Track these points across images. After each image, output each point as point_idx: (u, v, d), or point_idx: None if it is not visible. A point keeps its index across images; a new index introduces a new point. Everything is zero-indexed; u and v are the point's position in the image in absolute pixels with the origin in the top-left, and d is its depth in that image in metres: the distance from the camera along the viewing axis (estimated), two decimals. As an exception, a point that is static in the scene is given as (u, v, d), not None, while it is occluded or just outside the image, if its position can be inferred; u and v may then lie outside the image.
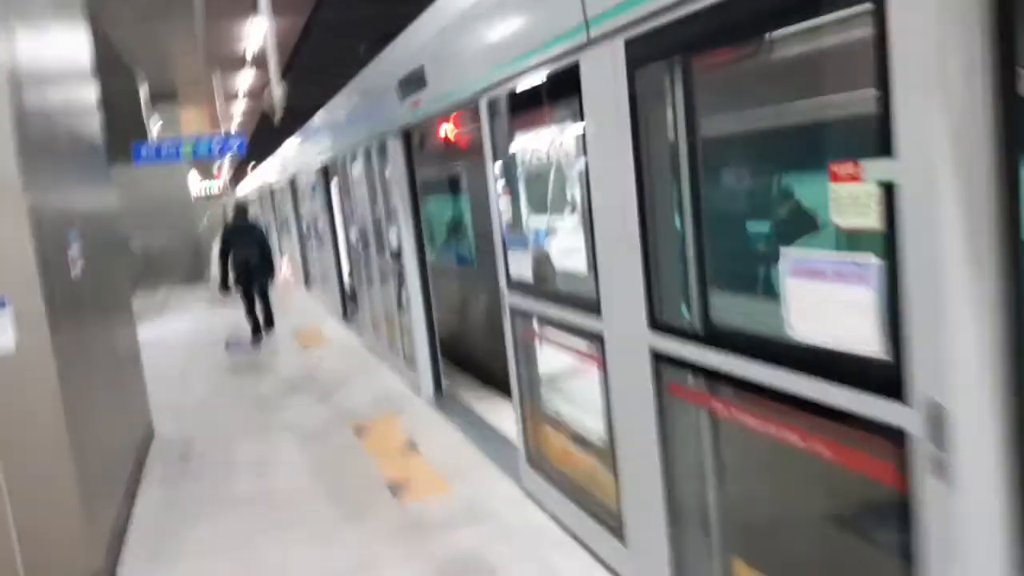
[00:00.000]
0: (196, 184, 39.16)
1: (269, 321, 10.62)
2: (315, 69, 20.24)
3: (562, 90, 3.16)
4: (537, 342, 3.96)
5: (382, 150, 6.68)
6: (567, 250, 3.68)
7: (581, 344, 3.37)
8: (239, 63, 17.89)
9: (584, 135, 3.02)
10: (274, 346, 9.97)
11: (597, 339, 3.12)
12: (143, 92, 17.07)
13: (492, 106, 3.90)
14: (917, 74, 1.55)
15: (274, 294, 10.93)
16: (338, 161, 9.05)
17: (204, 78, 18.23)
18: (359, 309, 9.45)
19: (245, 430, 6.23)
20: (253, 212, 29.95)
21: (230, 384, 8.04)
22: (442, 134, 6.91)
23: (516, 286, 3.94)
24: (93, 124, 5.94)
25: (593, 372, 3.28)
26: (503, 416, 5.73)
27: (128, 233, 19.71)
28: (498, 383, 6.34)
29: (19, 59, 3.57)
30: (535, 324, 3.92)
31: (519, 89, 3.57)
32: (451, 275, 7.40)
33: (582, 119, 3.00)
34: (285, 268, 17.22)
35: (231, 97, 22.34)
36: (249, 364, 8.98)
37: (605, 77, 2.76)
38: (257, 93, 22.26)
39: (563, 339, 3.60)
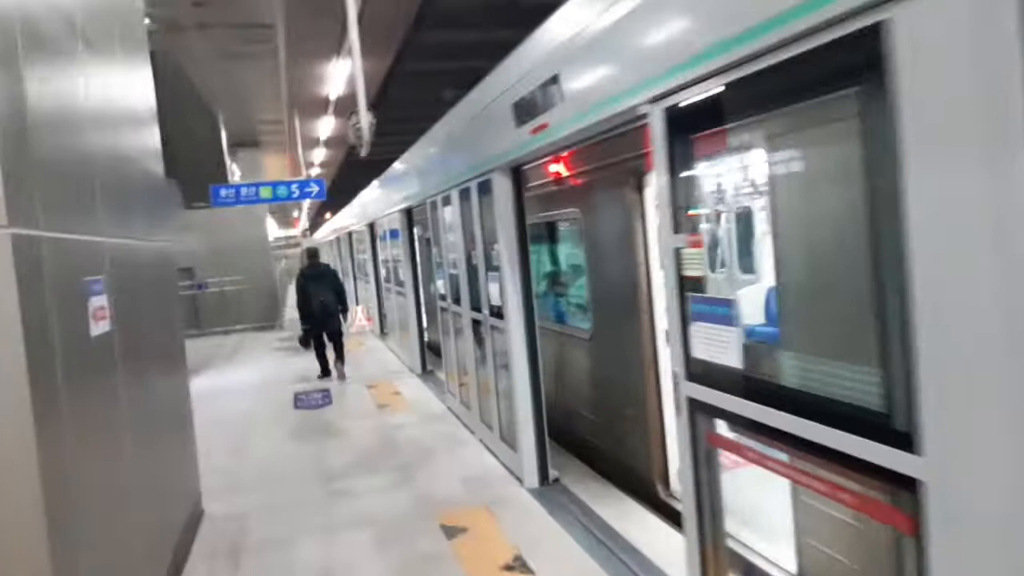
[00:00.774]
0: (274, 231, 39.70)
1: (341, 360, 10.44)
2: (395, 119, 19.89)
3: (832, 72, 2.02)
4: (737, 458, 2.71)
5: (484, 189, 5.65)
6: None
7: (857, 486, 2.11)
8: (321, 107, 17.54)
9: (898, 144, 1.77)
10: (346, 401, 8.98)
11: (905, 485, 1.88)
12: (224, 136, 16.84)
13: (671, 117, 2.78)
14: None
15: (346, 339, 10.66)
16: (426, 203, 8.13)
17: (286, 122, 17.98)
18: (444, 366, 8.38)
19: (310, 520, 5.12)
20: (329, 260, 29.94)
21: (296, 451, 7.02)
22: (553, 171, 5.88)
23: (704, 373, 2.75)
24: (152, 164, 5.10)
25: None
26: (630, 519, 4.54)
27: (203, 276, 19.63)
28: (611, 474, 5.45)
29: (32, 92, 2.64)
30: (733, 432, 2.70)
31: (722, 87, 2.45)
32: (555, 340, 6.30)
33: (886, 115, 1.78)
34: (361, 316, 16.45)
35: (311, 144, 22.16)
36: (318, 424, 7.97)
37: (953, 36, 1.60)
38: (338, 141, 22.05)
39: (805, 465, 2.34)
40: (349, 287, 21.80)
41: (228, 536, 4.95)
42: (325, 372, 10.48)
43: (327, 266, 11.01)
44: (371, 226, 14.98)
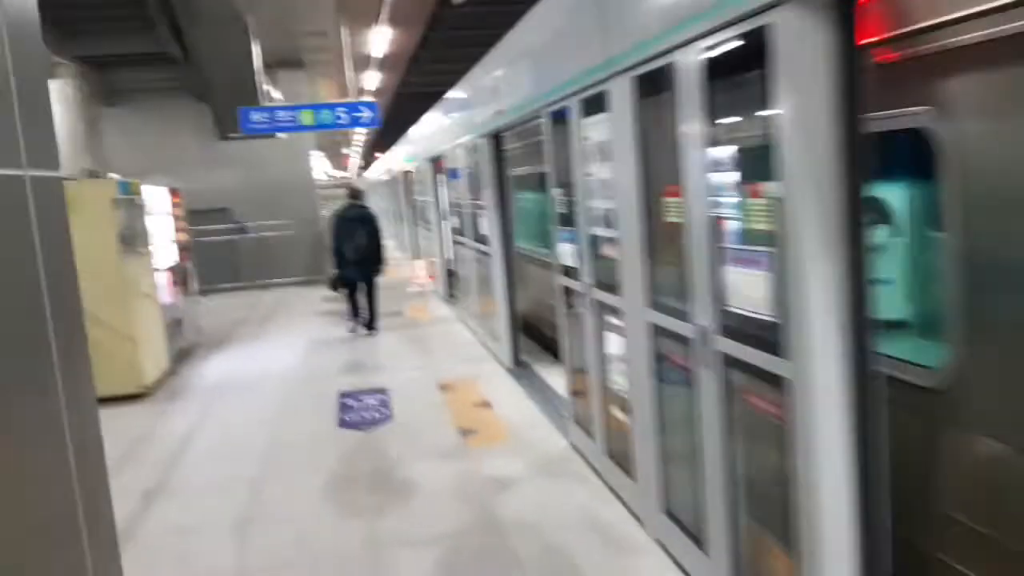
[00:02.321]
0: (324, 170, 36.96)
1: (372, 322, 9.70)
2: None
3: None
4: None
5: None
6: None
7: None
8: (374, 9, 14.35)
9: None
10: (412, 413, 6.11)
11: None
12: (256, 51, 13.81)
13: None
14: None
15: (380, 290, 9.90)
16: (543, 115, 5.04)
17: (332, 33, 14.84)
18: (566, 373, 5.35)
19: None
20: (385, 204, 27.17)
21: (334, 538, 4.18)
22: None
23: None
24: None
25: None
26: None
27: (241, 220, 16.99)
28: None
29: None
30: None
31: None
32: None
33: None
34: (421, 271, 13.57)
35: (363, 64, 19.01)
36: (372, 467, 5.11)
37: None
38: (395, 59, 18.84)
39: None
40: (405, 236, 18.96)
41: None
42: (355, 314, 9.72)
43: (368, 209, 9.82)
44: (435, 162, 11.95)
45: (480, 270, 8.50)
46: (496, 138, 7.06)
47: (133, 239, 7.70)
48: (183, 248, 9.30)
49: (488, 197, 7.26)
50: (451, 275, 12.80)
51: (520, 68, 5.56)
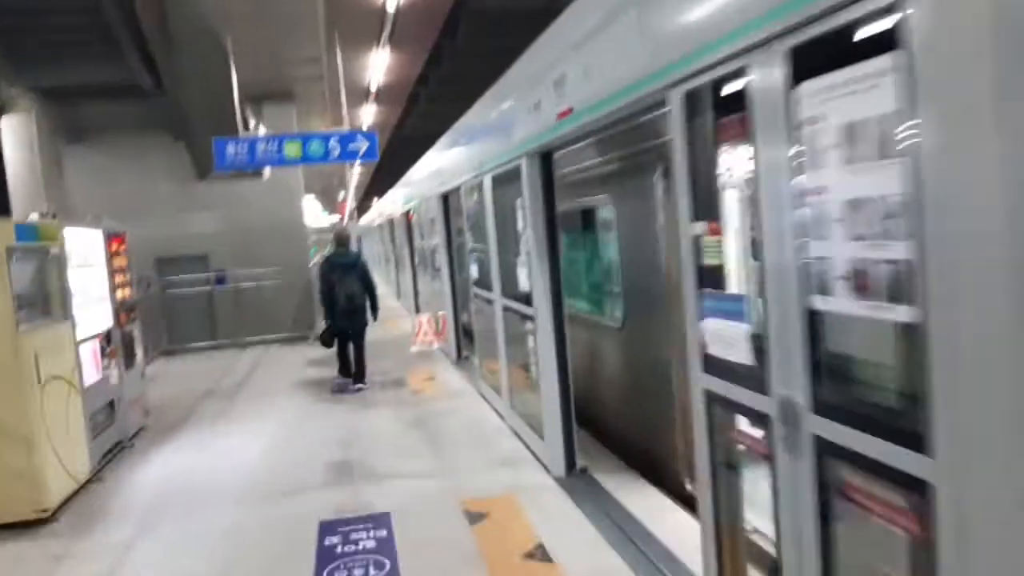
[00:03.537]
0: (317, 216, 35.10)
1: (360, 374, 8.90)
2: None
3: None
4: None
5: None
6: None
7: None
8: (372, 34, 12.61)
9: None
10: (426, 546, 4.03)
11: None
12: (235, 77, 11.96)
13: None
14: None
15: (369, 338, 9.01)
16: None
17: (323, 58, 13.06)
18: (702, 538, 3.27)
19: None
20: (381, 250, 25.22)
21: None
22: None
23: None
24: None
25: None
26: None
27: (220, 269, 14.98)
28: None
29: None
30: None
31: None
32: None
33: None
34: (426, 327, 11.54)
35: (359, 97, 17.26)
36: None
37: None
38: (395, 89, 17.09)
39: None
40: (407, 283, 16.92)
41: None
42: (344, 373, 9.08)
43: (357, 255, 9.45)
44: (445, 198, 10.03)
45: (510, 330, 6.47)
46: (546, 158, 5.10)
47: (43, 301, 5.68)
48: (124, 309, 7.24)
49: (534, 239, 5.24)
50: (466, 334, 10.79)
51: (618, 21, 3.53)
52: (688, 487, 4.76)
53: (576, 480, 5.21)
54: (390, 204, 19.41)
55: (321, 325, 9.45)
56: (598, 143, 5.51)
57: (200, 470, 6.22)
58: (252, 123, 14.88)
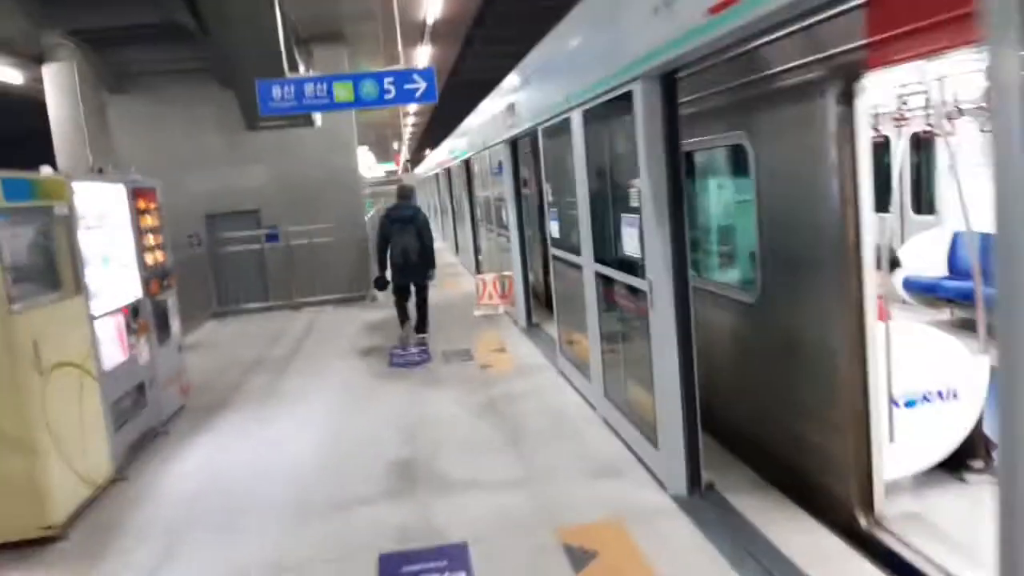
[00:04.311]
0: (371, 167, 34.13)
1: (422, 326, 8.92)
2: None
3: None
4: None
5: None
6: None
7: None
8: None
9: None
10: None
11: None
12: (280, 17, 10.76)
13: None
14: None
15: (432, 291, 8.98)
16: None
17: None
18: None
19: None
20: (433, 200, 24.13)
21: None
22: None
23: None
24: None
25: None
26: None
27: (274, 224, 14.13)
28: None
29: None
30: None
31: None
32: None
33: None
34: (491, 287, 10.42)
35: (414, 35, 15.95)
36: None
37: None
38: (451, 24, 15.73)
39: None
40: (466, 238, 15.82)
41: None
42: (404, 320, 8.95)
43: (416, 208, 9.03)
44: (514, 145, 8.80)
45: (606, 302, 5.29)
46: (669, 82, 3.81)
47: (48, 273, 4.74)
48: (156, 275, 6.31)
49: (651, 193, 3.98)
50: (539, 297, 9.66)
51: None
52: (862, 523, 3.57)
53: (702, 502, 4.05)
54: (447, 152, 18.20)
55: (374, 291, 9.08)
56: (728, 61, 4.17)
57: (241, 467, 5.29)
58: (302, 68, 13.79)
